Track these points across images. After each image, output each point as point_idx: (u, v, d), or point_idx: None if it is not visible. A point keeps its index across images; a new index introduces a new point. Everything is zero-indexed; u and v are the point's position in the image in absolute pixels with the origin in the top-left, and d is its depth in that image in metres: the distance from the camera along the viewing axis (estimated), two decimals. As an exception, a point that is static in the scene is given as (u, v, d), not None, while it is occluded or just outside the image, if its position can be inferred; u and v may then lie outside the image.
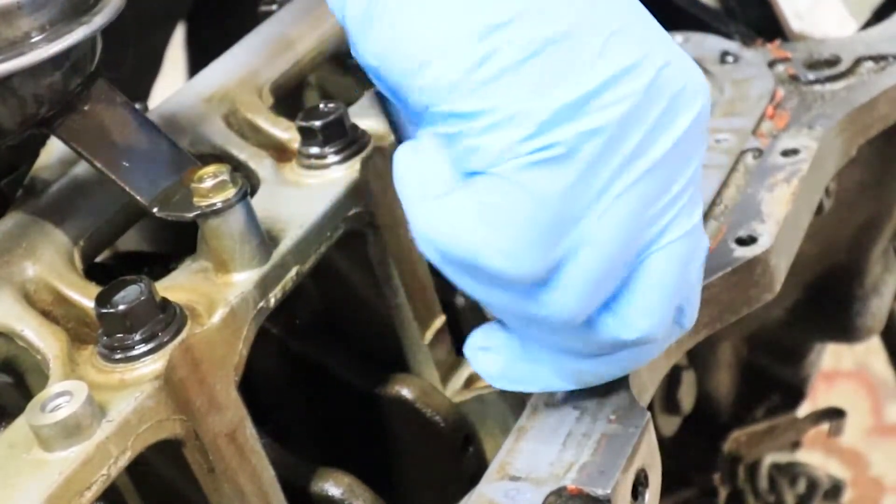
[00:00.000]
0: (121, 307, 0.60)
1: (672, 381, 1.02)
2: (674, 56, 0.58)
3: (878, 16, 1.02)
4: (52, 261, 0.67)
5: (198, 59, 1.55)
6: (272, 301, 0.66)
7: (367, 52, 0.59)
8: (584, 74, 0.55)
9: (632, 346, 0.62)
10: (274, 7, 0.92)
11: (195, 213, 0.64)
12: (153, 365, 0.60)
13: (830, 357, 2.20)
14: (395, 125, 0.66)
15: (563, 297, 0.57)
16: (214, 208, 0.64)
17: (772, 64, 0.95)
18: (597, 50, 0.55)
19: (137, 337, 0.60)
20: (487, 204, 0.55)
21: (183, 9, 1.46)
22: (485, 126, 0.55)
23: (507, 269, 0.56)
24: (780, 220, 0.77)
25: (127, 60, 0.73)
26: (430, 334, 0.79)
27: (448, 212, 0.56)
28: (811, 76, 0.92)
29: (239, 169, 0.74)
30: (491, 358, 0.64)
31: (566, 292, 0.57)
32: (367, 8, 0.58)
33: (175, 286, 0.65)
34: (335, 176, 0.73)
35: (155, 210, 0.67)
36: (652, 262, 0.59)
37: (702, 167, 0.61)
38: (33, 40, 0.63)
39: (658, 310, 0.60)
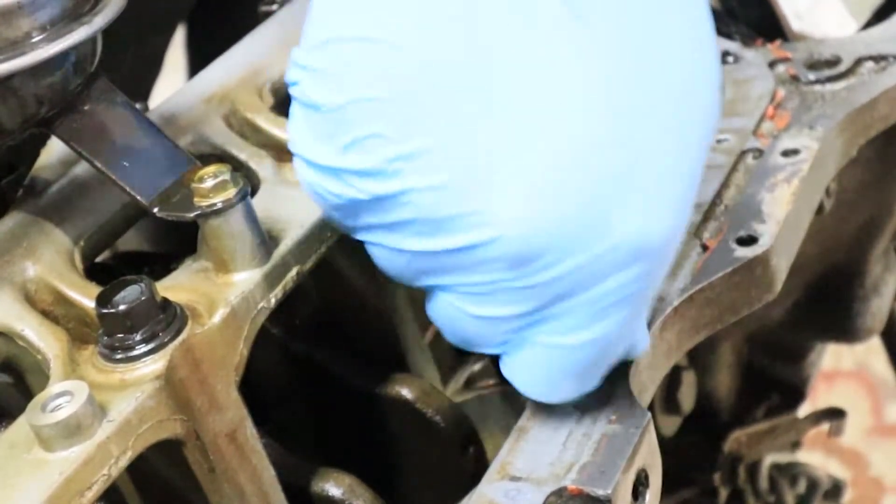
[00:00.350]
0: (121, 307, 0.60)
1: (672, 381, 1.02)
2: (475, 178, 0.57)
3: (879, 16, 1.03)
4: (52, 261, 0.67)
5: (198, 60, 1.55)
6: (272, 301, 0.66)
7: None
8: (332, 151, 0.59)
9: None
10: (274, 7, 0.91)
11: (195, 213, 0.64)
12: (154, 365, 0.60)
13: (830, 357, 2.20)
14: None
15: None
16: (215, 208, 0.64)
17: (772, 64, 0.95)
18: (352, 137, 0.58)
19: (138, 337, 0.60)
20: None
21: (184, 10, 1.46)
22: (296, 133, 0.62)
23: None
24: (780, 221, 0.77)
25: (127, 61, 0.73)
26: (430, 334, 0.79)
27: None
28: (812, 76, 0.92)
29: (239, 169, 0.74)
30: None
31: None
32: None
33: (175, 286, 0.65)
34: (335, 176, 0.73)
35: (155, 210, 0.67)
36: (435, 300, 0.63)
37: None
38: (33, 40, 0.63)
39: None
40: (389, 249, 0.61)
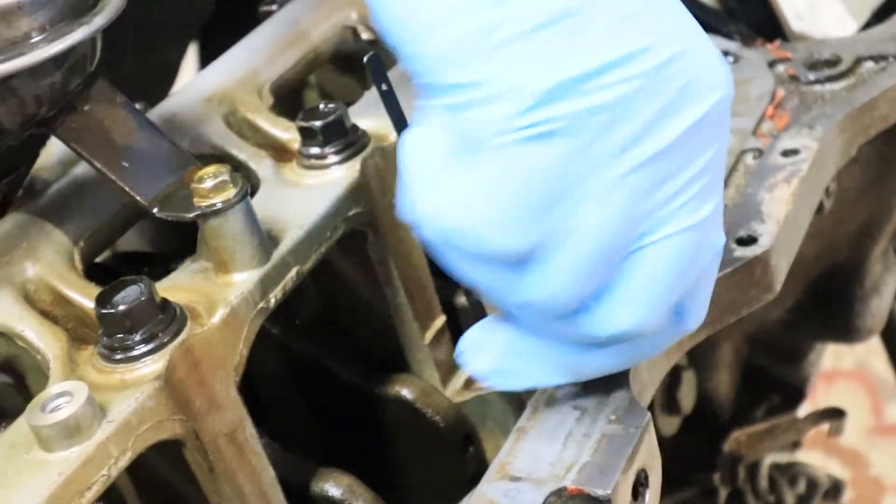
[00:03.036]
0: (121, 307, 0.60)
1: (672, 381, 1.02)
2: (690, 45, 0.57)
3: (879, 16, 1.03)
4: (52, 261, 0.67)
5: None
6: (272, 301, 0.66)
7: (384, 18, 0.57)
8: (588, 53, 0.54)
9: (620, 341, 0.60)
10: (274, 7, 0.92)
11: (195, 213, 0.64)
12: (153, 365, 0.60)
13: (830, 357, 2.20)
14: (398, 124, 0.66)
15: (552, 280, 0.56)
16: (214, 208, 0.64)
17: (772, 64, 0.95)
18: (604, 30, 0.55)
19: (137, 337, 0.60)
20: (482, 176, 0.55)
21: (200, 21, 1.46)
22: (484, 97, 0.55)
23: (495, 240, 0.55)
24: (780, 221, 0.77)
25: (126, 62, 0.73)
26: (430, 334, 0.79)
27: (444, 185, 0.56)
28: (811, 76, 0.92)
29: (239, 169, 0.74)
30: (482, 354, 0.63)
31: (555, 275, 0.56)
32: None
33: (175, 286, 0.65)
34: (335, 176, 0.73)
35: (155, 210, 0.67)
36: (646, 254, 0.58)
37: (723, 160, 0.60)
38: (33, 40, 0.63)
39: (645, 306, 0.58)
40: (636, 174, 0.56)
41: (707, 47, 0.59)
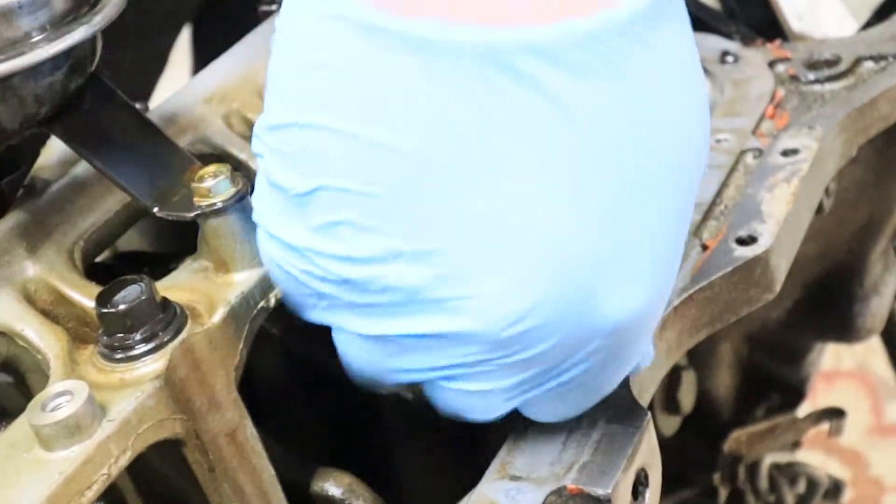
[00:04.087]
0: (121, 307, 0.60)
1: (672, 380, 1.02)
2: (457, 262, 0.55)
3: (879, 16, 1.03)
4: (52, 260, 0.67)
5: (202, 60, 1.55)
6: (272, 301, 0.66)
7: None
8: (298, 231, 0.58)
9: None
10: (274, 7, 0.91)
11: (195, 212, 0.64)
12: (154, 364, 0.60)
13: (830, 357, 2.20)
14: None
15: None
16: (215, 208, 0.64)
17: (772, 64, 0.95)
18: (318, 223, 0.57)
19: (138, 336, 0.60)
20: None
21: (190, 10, 1.46)
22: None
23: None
24: (780, 220, 0.77)
25: (129, 60, 0.73)
26: (430, 334, 0.79)
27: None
28: (811, 76, 0.92)
29: (239, 169, 0.74)
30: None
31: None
32: None
33: (175, 286, 0.65)
34: (335, 176, 0.72)
35: (155, 210, 0.67)
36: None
37: None
38: (33, 40, 0.63)
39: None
40: (353, 334, 0.60)
41: (492, 266, 0.55)
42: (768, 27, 1.01)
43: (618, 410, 0.64)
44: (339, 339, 0.62)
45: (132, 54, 0.78)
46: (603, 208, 0.55)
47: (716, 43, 0.98)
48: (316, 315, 0.61)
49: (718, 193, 0.81)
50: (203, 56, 1.56)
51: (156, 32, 1.37)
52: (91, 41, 0.67)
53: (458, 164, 0.53)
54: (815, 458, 1.86)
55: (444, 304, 0.56)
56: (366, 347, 0.61)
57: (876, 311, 1.11)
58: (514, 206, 0.54)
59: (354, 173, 0.54)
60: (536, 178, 0.54)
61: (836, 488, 1.39)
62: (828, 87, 0.91)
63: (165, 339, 0.60)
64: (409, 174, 0.54)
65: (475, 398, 0.61)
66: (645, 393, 0.70)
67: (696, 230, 0.78)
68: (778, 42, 0.97)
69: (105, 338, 0.60)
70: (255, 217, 0.61)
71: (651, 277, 0.57)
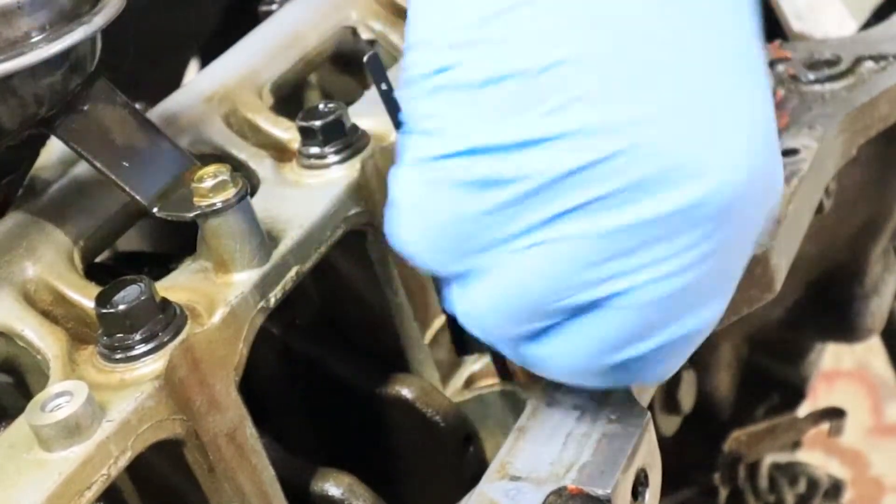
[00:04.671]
0: (121, 307, 0.60)
1: (672, 380, 1.02)
2: (677, 132, 0.54)
3: (878, 16, 1.03)
4: (52, 261, 0.67)
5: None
6: (272, 301, 0.66)
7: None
8: (528, 120, 0.55)
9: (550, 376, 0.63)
10: (274, 7, 0.92)
11: (195, 213, 0.64)
12: (153, 365, 0.60)
13: (831, 357, 2.20)
14: (398, 124, 0.66)
15: (475, 305, 0.60)
16: (214, 208, 0.64)
17: (772, 64, 0.95)
18: (564, 98, 0.54)
19: (137, 337, 0.60)
20: (423, 211, 0.59)
21: (206, 30, 1.46)
22: (430, 137, 0.58)
23: (427, 264, 0.61)
24: (780, 220, 0.77)
25: (126, 60, 0.73)
26: (430, 334, 0.79)
27: (399, 216, 0.61)
28: (811, 76, 0.92)
29: (239, 169, 0.74)
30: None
31: (477, 301, 0.60)
32: None
33: (175, 286, 0.65)
34: (335, 176, 0.73)
35: (155, 210, 0.67)
36: (595, 312, 0.58)
37: (730, 256, 0.58)
38: (33, 40, 0.63)
39: (580, 356, 0.60)
40: (571, 243, 0.56)
41: (710, 136, 0.55)
42: (768, 27, 1.01)
43: (618, 410, 0.64)
44: (509, 277, 0.58)
45: (150, 75, 0.78)
46: (762, 78, 0.57)
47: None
48: (501, 247, 0.58)
49: (718, 193, 0.81)
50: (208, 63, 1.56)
51: (171, 54, 1.37)
52: (91, 41, 0.67)
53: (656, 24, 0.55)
54: (815, 458, 1.86)
55: (679, 170, 0.54)
56: (565, 262, 0.57)
57: (876, 310, 1.11)
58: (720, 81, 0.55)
59: (578, 40, 0.54)
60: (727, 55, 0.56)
61: (836, 488, 1.39)
62: (828, 87, 0.91)
63: (165, 340, 0.60)
64: (612, 34, 0.54)
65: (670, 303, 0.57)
66: (645, 393, 0.70)
67: (696, 230, 0.78)
68: (778, 42, 0.97)
69: (105, 338, 0.60)
70: (425, 140, 0.58)
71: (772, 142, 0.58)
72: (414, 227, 0.60)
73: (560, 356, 0.60)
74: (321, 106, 0.74)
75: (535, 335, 0.60)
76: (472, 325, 0.62)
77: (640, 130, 0.54)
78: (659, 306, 0.57)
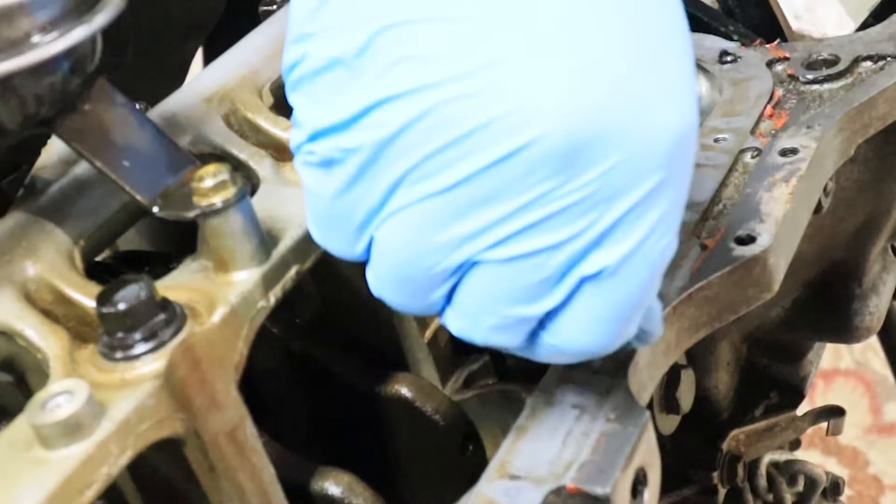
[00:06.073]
0: (121, 306, 0.60)
1: (671, 380, 1.02)
2: (508, 75, 0.54)
3: (877, 16, 1.03)
4: (52, 260, 0.68)
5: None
6: (272, 300, 0.66)
7: None
8: (354, 94, 0.58)
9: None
10: (274, 7, 0.92)
11: (195, 212, 0.64)
12: (154, 364, 0.60)
13: (829, 356, 2.21)
14: None
15: (376, 283, 0.62)
16: (215, 208, 0.64)
17: (770, 64, 0.95)
18: (380, 68, 0.56)
19: (138, 336, 0.60)
20: (308, 195, 0.63)
21: (211, 20, 1.46)
22: (294, 129, 0.62)
23: (326, 246, 0.64)
24: (778, 220, 0.78)
25: (126, 60, 0.73)
26: (429, 333, 0.79)
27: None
28: (810, 76, 0.92)
29: (239, 169, 0.74)
30: None
31: (375, 279, 0.63)
32: None
33: (175, 285, 0.65)
34: (335, 175, 0.73)
35: (155, 210, 0.67)
36: (473, 271, 0.59)
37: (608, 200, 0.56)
38: (33, 40, 0.63)
39: (468, 316, 0.61)
40: (420, 205, 0.57)
41: (549, 77, 0.54)
42: (767, 27, 1.01)
43: (617, 409, 0.64)
44: (394, 238, 0.60)
45: (153, 67, 0.78)
46: (637, 20, 0.56)
47: (714, 43, 0.98)
48: (377, 218, 0.60)
49: (717, 193, 0.81)
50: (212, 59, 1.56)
51: (177, 44, 1.37)
52: (91, 41, 0.67)
53: None
54: (813, 456, 1.87)
55: (505, 119, 0.54)
56: (426, 227, 0.58)
57: (874, 310, 1.11)
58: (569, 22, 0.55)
59: (398, 6, 0.56)
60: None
61: (835, 486, 1.39)
62: (826, 86, 0.91)
63: (165, 339, 0.60)
64: None
65: (532, 271, 0.57)
66: (644, 392, 0.70)
67: (695, 230, 0.78)
68: (776, 42, 0.98)
69: (105, 337, 0.61)
70: (297, 129, 0.61)
71: (688, 90, 0.57)
72: (309, 214, 0.64)
73: (460, 318, 0.61)
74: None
75: (438, 303, 0.61)
76: (386, 300, 0.63)
77: (460, 85, 0.55)
78: (533, 258, 0.57)
